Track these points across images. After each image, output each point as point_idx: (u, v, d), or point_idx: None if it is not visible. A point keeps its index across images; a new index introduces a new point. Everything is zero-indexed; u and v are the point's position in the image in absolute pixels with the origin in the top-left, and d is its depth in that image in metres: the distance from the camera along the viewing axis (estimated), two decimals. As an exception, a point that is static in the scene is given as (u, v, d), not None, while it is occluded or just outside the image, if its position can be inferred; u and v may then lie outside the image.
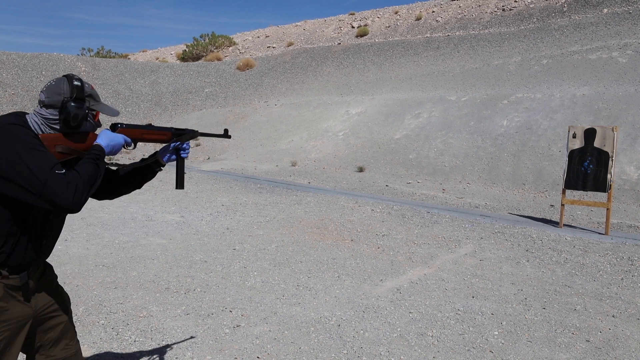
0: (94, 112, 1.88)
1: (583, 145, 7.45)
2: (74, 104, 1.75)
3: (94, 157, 1.75)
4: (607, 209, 7.08)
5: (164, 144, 2.14)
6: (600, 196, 8.68)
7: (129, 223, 6.89)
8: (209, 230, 6.62)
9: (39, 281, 1.84)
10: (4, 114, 1.77)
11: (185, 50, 33.24)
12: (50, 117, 1.76)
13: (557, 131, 11.51)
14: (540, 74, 15.21)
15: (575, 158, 7.49)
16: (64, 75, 1.81)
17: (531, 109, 12.76)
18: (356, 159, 13.77)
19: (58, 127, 1.77)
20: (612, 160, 7.20)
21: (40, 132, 1.74)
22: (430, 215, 7.85)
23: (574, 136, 7.53)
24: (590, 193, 8.66)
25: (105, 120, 14.47)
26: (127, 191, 2.12)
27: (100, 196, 2.07)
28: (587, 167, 7.37)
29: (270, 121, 18.72)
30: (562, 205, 7.51)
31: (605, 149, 7.26)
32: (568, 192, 8.36)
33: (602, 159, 7.26)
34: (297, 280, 4.66)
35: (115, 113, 1.95)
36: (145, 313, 3.79)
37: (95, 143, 1.83)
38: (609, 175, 7.18)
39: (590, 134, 7.42)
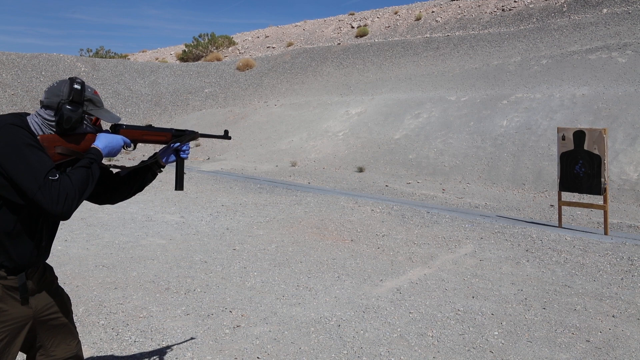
0: (92, 117, 1.87)
1: (573, 148, 7.24)
2: (70, 107, 1.75)
3: (87, 162, 1.75)
4: (605, 211, 7.03)
5: (164, 145, 2.14)
6: (597, 198, 8.65)
7: (129, 223, 6.89)
8: (209, 230, 6.63)
9: (39, 282, 1.84)
10: (5, 113, 1.77)
11: (185, 51, 33.21)
12: (48, 118, 1.76)
13: (556, 131, 11.51)
14: (540, 74, 15.22)
15: (567, 161, 7.30)
16: (68, 78, 1.81)
17: (531, 109, 12.76)
18: (356, 159, 13.77)
19: (55, 128, 1.78)
20: (605, 164, 7.00)
21: (41, 133, 1.74)
22: (430, 215, 7.84)
23: (563, 138, 7.33)
24: (586, 195, 8.60)
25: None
26: (129, 195, 2.10)
27: (100, 200, 2.05)
28: (580, 171, 7.17)
29: (270, 121, 18.71)
30: (560, 206, 7.48)
31: (596, 152, 7.04)
32: (565, 193, 8.32)
33: (594, 162, 7.06)
34: (297, 281, 4.66)
35: (115, 120, 1.92)
36: (145, 313, 3.79)
37: (92, 146, 1.82)
38: (602, 179, 7.02)
39: (579, 136, 7.21)
